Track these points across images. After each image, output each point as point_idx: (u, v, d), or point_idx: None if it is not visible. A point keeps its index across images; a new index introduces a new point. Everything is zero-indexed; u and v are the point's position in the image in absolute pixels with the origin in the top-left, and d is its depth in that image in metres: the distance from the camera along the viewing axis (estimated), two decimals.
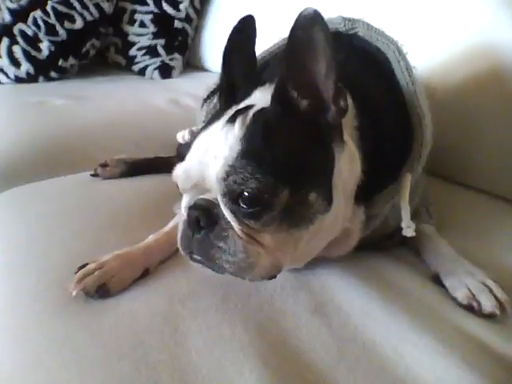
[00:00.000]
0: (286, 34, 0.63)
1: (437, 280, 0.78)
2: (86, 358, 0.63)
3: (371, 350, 0.63)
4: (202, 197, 0.66)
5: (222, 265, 0.64)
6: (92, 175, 1.18)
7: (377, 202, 0.76)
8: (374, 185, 0.75)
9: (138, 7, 2.04)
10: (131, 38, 2.06)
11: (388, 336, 0.65)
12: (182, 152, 1.26)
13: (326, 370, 0.60)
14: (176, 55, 2.09)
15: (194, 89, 1.85)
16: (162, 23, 2.04)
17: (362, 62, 0.85)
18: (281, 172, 0.61)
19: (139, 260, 0.80)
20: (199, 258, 0.66)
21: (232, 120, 0.66)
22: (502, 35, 1.03)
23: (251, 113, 0.66)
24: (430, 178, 1.01)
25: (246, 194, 0.61)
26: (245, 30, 0.75)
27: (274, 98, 0.67)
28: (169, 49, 2.06)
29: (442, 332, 0.66)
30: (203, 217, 0.64)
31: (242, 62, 0.75)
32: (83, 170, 1.26)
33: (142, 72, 2.09)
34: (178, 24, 2.05)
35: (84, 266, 0.77)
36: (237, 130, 0.64)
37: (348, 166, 0.70)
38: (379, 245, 0.85)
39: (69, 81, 1.96)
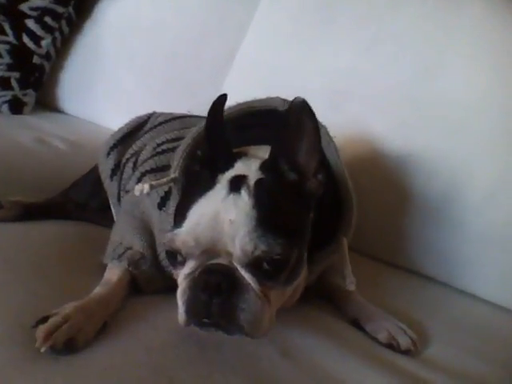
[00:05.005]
0: None
1: (356, 324, 0.93)
2: None
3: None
4: (215, 262, 0.69)
5: (242, 324, 0.67)
6: None
7: (317, 261, 0.89)
8: (315, 246, 0.87)
9: None
10: None
11: (345, 369, 0.78)
12: (73, 196, 1.24)
13: None
14: (30, 91, 1.94)
15: (57, 130, 1.78)
16: (20, 56, 1.89)
17: None
18: (291, 235, 0.70)
19: (98, 312, 0.77)
20: (214, 321, 0.68)
21: (234, 189, 0.72)
22: (373, 126, 1.34)
23: (251, 182, 0.73)
24: None
25: (269, 258, 0.67)
26: (220, 107, 0.80)
27: (267, 170, 0.76)
28: (23, 83, 1.91)
29: (379, 365, 0.81)
30: (225, 282, 0.67)
31: (219, 136, 0.80)
32: None
33: None
34: (36, 60, 1.92)
35: (44, 319, 0.72)
36: (246, 197, 0.70)
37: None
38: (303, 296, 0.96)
39: None
